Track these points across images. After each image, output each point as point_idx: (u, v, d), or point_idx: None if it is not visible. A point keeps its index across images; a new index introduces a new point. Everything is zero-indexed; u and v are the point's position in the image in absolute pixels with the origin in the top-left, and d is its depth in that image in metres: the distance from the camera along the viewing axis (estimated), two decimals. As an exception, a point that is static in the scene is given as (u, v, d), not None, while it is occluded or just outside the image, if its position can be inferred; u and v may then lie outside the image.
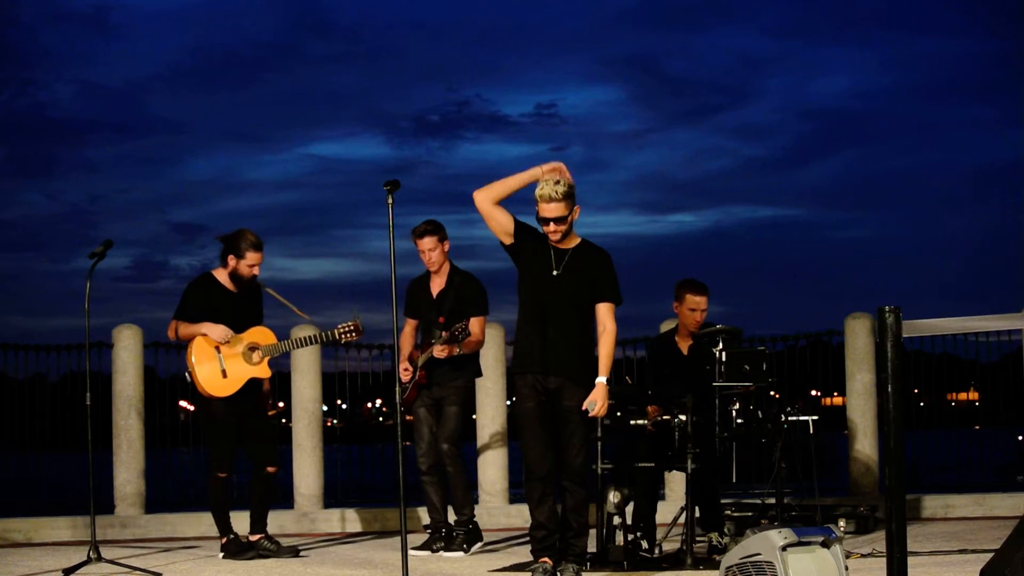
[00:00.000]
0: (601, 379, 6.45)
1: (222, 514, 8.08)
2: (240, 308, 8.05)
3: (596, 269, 6.55)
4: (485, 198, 6.52)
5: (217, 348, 7.95)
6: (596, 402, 6.41)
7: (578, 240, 6.61)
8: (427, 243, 8.22)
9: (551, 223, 6.42)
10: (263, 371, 8.04)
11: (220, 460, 8.05)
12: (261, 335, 8.05)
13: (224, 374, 7.95)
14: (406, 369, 8.24)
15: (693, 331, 7.97)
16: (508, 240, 6.57)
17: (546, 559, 6.53)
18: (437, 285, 8.31)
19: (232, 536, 8.09)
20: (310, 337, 8.41)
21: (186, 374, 8.08)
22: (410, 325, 8.45)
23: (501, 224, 6.55)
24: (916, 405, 12.27)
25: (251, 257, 7.98)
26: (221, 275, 8.09)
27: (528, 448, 6.50)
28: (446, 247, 8.27)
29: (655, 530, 7.85)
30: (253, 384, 8.04)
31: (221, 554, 8.09)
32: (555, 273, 6.51)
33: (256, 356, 8.01)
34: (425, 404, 8.28)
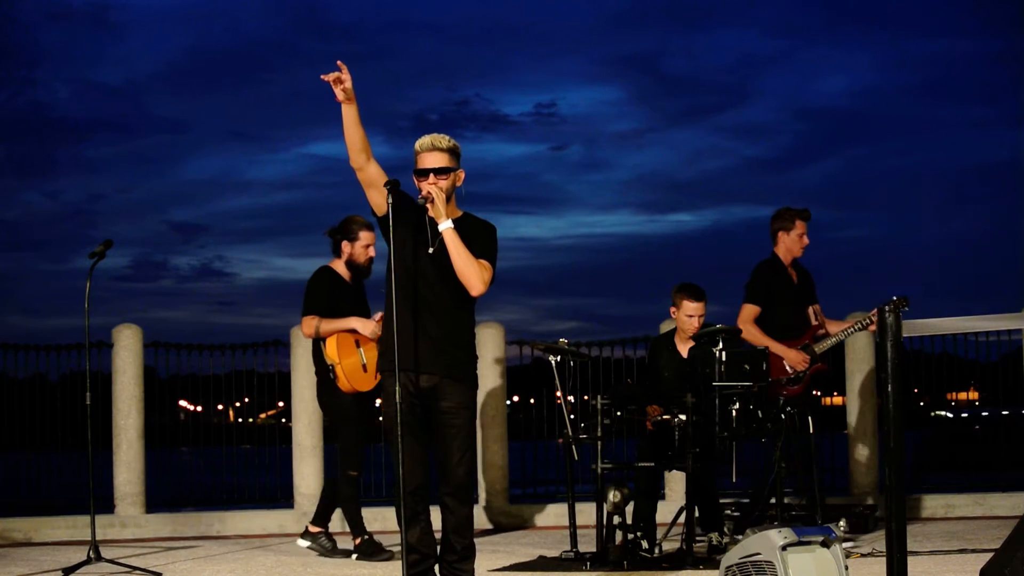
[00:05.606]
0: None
1: (355, 513, 7.91)
2: (359, 299, 8.00)
3: (479, 242, 5.47)
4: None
5: (357, 342, 7.82)
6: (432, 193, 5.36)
7: (460, 213, 5.58)
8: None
9: (431, 174, 5.43)
10: None
11: (352, 458, 7.91)
12: None
13: (365, 368, 7.81)
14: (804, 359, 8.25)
15: (691, 336, 7.96)
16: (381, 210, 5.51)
17: None
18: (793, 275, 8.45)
19: (367, 536, 7.90)
20: None
21: (329, 370, 7.75)
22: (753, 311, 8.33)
23: (372, 179, 5.46)
24: (916, 405, 12.26)
25: (365, 237, 7.91)
26: (339, 266, 7.99)
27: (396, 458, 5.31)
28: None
29: (655, 530, 7.84)
30: None
31: (355, 555, 7.91)
32: (431, 251, 5.47)
33: None
34: None
